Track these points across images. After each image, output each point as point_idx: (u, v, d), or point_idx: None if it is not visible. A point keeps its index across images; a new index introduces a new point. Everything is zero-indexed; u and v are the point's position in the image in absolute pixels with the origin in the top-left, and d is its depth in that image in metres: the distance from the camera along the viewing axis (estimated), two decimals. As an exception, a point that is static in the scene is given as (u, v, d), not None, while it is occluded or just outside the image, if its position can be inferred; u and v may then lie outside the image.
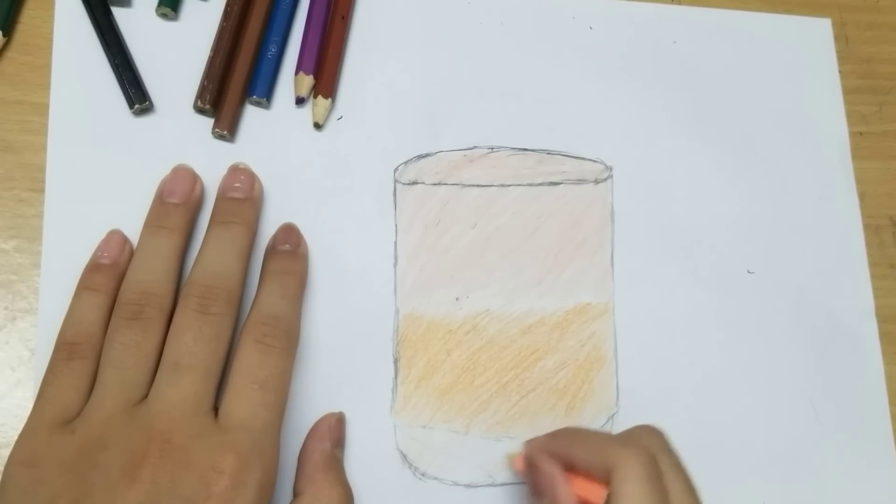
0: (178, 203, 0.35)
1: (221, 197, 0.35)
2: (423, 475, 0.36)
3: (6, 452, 0.32)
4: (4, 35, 0.37)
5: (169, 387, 0.29)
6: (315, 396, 0.35)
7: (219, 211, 0.35)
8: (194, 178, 0.36)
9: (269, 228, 0.37)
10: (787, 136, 0.43)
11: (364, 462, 0.35)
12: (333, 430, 0.34)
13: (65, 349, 0.31)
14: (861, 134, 0.44)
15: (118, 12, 0.38)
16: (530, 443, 0.34)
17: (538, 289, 0.38)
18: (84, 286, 0.33)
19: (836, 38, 0.45)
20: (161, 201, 0.35)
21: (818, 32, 0.45)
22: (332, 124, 0.39)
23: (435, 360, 0.37)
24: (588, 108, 0.42)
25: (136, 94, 0.37)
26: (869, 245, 0.42)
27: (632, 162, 0.41)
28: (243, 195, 0.35)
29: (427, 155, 0.39)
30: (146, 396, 0.30)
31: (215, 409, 0.30)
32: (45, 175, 0.36)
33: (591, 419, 0.37)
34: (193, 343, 0.30)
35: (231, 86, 0.38)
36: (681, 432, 0.33)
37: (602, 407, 0.38)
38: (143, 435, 0.28)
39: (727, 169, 0.42)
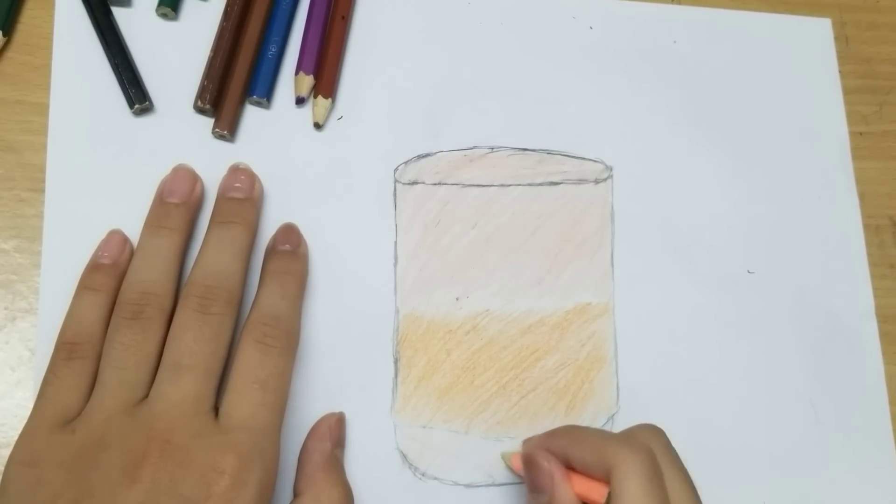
0: (178, 203, 0.35)
1: (221, 197, 0.35)
2: (423, 475, 0.36)
3: (6, 452, 0.32)
4: (4, 35, 0.37)
5: (169, 387, 0.29)
6: (315, 396, 0.35)
7: (219, 211, 0.35)
8: (194, 178, 0.36)
9: (269, 228, 0.37)
10: (788, 136, 0.43)
11: (364, 462, 0.35)
12: (334, 431, 0.34)
13: (65, 349, 0.31)
14: (861, 134, 0.44)
15: (118, 12, 0.38)
16: (528, 441, 0.34)
17: (538, 289, 0.38)
18: (84, 286, 0.33)
19: (836, 38, 0.45)
20: (161, 201, 0.35)
21: (818, 32, 0.45)
22: (332, 124, 0.39)
23: (435, 360, 0.37)
24: (588, 108, 0.42)
25: (136, 94, 0.37)
26: (869, 245, 0.42)
27: (632, 162, 0.41)
28: (243, 195, 0.35)
29: (427, 155, 0.39)
30: (147, 396, 0.30)
31: (216, 409, 0.30)
32: (45, 175, 0.36)
33: (591, 419, 0.37)
34: (194, 343, 0.30)
35: (231, 86, 0.38)
36: (681, 432, 0.33)
37: (602, 407, 0.38)
38: (144, 435, 0.28)
39: (727, 169, 0.42)
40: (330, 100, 0.39)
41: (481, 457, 0.36)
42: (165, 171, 0.36)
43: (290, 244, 0.36)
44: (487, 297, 0.38)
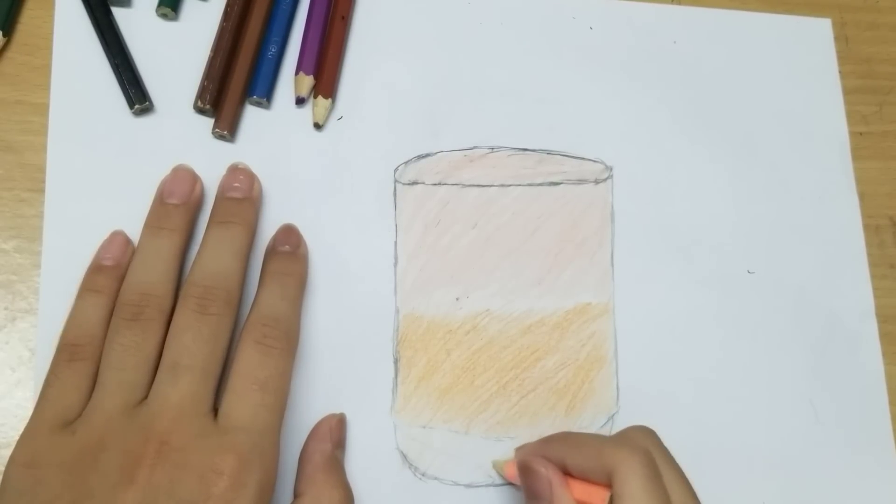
0: (178, 204, 0.34)
1: (220, 197, 0.35)
2: (423, 475, 0.36)
3: (6, 452, 0.32)
4: (4, 35, 0.37)
5: (168, 387, 0.29)
6: (315, 396, 0.35)
7: (218, 211, 0.35)
8: (194, 179, 0.35)
9: (269, 228, 0.37)
10: (788, 136, 0.43)
11: (364, 462, 0.35)
12: (334, 432, 0.34)
13: (67, 350, 0.31)
14: (861, 134, 0.44)
15: (118, 12, 0.38)
16: (522, 449, 0.34)
17: (538, 289, 0.38)
18: (87, 287, 0.33)
19: (836, 38, 0.45)
20: (161, 202, 0.35)
21: (818, 32, 0.45)
22: (332, 124, 0.39)
23: (435, 360, 0.37)
24: (588, 108, 0.42)
25: (136, 94, 0.37)
26: (869, 245, 0.42)
27: (632, 162, 0.41)
28: (242, 195, 0.35)
29: (427, 155, 0.39)
30: (146, 397, 0.30)
31: (215, 410, 0.30)
32: (45, 175, 0.36)
33: (591, 419, 0.37)
34: (192, 343, 0.30)
35: (231, 86, 0.38)
36: (681, 432, 0.33)
37: (602, 407, 0.38)
38: (142, 436, 0.28)
39: (727, 169, 0.42)
40: (330, 100, 0.39)
41: (481, 457, 0.36)
42: (165, 171, 0.36)
43: (289, 245, 0.36)
44: (487, 297, 0.38)
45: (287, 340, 0.32)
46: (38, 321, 0.34)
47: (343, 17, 0.40)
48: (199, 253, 0.33)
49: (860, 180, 0.43)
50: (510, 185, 0.39)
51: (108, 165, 0.37)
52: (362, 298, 0.37)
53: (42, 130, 0.36)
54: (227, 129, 0.37)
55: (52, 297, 0.34)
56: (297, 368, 0.33)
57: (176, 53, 0.38)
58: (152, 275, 0.32)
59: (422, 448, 0.36)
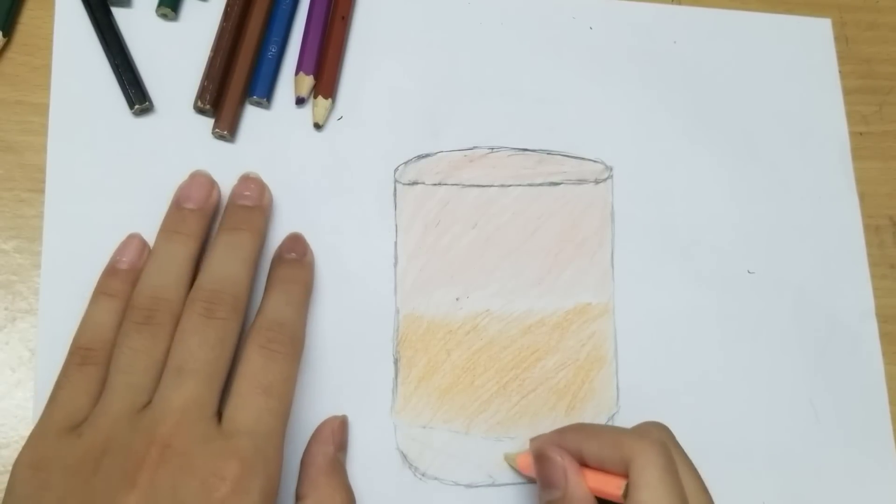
0: (194, 209, 0.34)
1: (231, 204, 0.35)
2: (423, 475, 0.36)
3: (6, 453, 0.32)
4: (4, 35, 0.37)
5: (172, 391, 0.29)
6: (315, 397, 0.35)
7: (228, 218, 0.35)
8: (211, 185, 0.35)
9: (269, 227, 0.37)
10: (788, 136, 0.43)
11: (364, 462, 0.35)
12: (336, 434, 0.34)
13: (79, 354, 0.32)
14: (861, 134, 0.44)
15: (118, 12, 0.38)
16: (536, 439, 0.34)
17: (538, 289, 0.38)
18: (101, 291, 0.33)
19: (836, 38, 0.45)
20: (178, 206, 0.35)
21: (818, 32, 0.45)
22: (332, 124, 0.39)
23: (435, 360, 0.37)
24: (588, 109, 0.42)
25: (136, 94, 0.37)
26: (869, 245, 0.42)
27: (632, 162, 0.41)
28: (253, 203, 0.35)
29: (427, 155, 0.39)
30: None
31: (219, 414, 0.30)
32: (45, 175, 0.36)
33: (591, 419, 0.37)
34: (198, 347, 0.30)
35: (231, 86, 0.38)
36: (681, 432, 0.33)
37: (602, 407, 0.38)
38: (145, 439, 0.28)
39: (727, 169, 0.42)
40: (330, 100, 0.39)
41: (482, 457, 0.36)
42: (166, 171, 0.36)
43: (296, 253, 0.36)
44: (487, 297, 0.38)
45: (292, 345, 0.32)
46: (38, 321, 0.34)
47: (343, 17, 0.40)
48: (207, 258, 0.33)
49: (860, 180, 0.43)
50: (510, 186, 0.39)
51: (108, 165, 0.36)
52: (362, 298, 0.37)
53: (42, 130, 0.36)
54: (227, 129, 0.37)
55: (52, 298, 0.34)
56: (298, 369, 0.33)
57: (176, 53, 0.38)
58: (165, 279, 0.32)
59: (422, 448, 0.36)
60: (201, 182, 0.35)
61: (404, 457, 0.36)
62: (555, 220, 0.39)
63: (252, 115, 0.39)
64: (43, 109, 0.37)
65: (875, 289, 0.41)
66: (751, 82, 0.44)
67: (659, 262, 0.40)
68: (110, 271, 0.34)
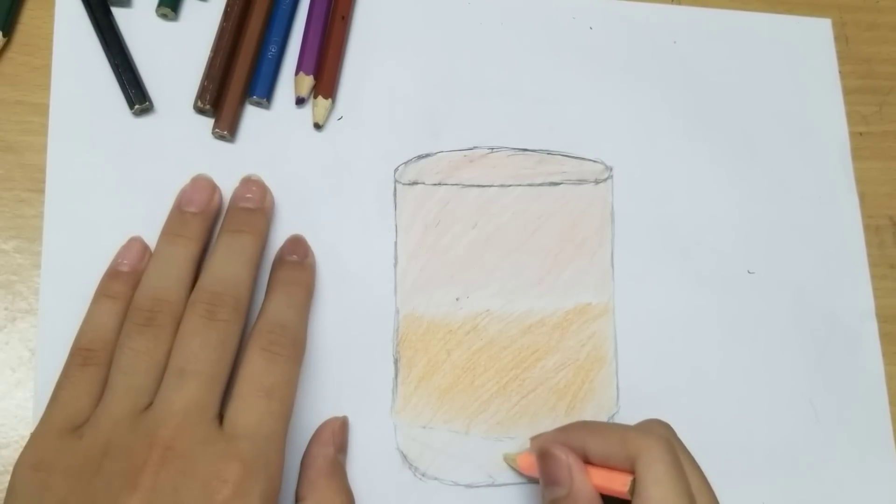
0: (195, 212, 0.34)
1: (233, 206, 0.35)
2: (423, 475, 0.36)
3: (6, 453, 0.32)
4: (4, 35, 0.37)
5: (173, 393, 0.29)
6: (315, 397, 0.35)
7: (230, 220, 0.35)
8: (213, 188, 0.35)
9: (269, 228, 0.37)
10: (788, 136, 0.43)
11: (364, 462, 0.35)
12: (337, 435, 0.34)
13: (80, 355, 0.32)
14: (861, 134, 0.44)
15: (118, 12, 0.38)
16: (538, 437, 0.34)
17: (538, 289, 0.38)
18: (102, 293, 0.33)
19: (836, 38, 0.45)
20: (179, 210, 0.35)
21: (818, 32, 0.45)
22: (332, 124, 0.39)
23: (435, 360, 0.37)
24: (588, 108, 0.42)
25: (136, 94, 0.37)
26: (869, 245, 0.42)
27: (632, 162, 0.41)
28: (254, 205, 0.35)
29: (427, 155, 0.39)
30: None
31: (220, 416, 0.30)
32: (46, 175, 0.36)
33: (591, 419, 0.37)
34: (200, 349, 0.30)
35: (231, 86, 0.38)
36: (681, 432, 0.33)
37: (602, 407, 0.38)
38: (146, 441, 0.28)
39: (727, 169, 0.42)
40: (330, 100, 0.39)
41: (482, 457, 0.36)
42: (165, 171, 0.36)
43: (297, 255, 0.36)
44: (487, 297, 0.38)
45: (293, 348, 0.32)
46: (38, 321, 0.34)
47: (343, 17, 0.40)
48: (209, 260, 0.33)
49: (860, 180, 0.43)
50: (510, 186, 0.39)
51: (108, 165, 0.36)
52: (362, 298, 0.37)
53: (42, 130, 0.36)
54: (227, 129, 0.37)
55: (52, 298, 0.34)
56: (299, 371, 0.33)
57: (176, 53, 0.38)
58: (166, 281, 0.32)
59: (422, 448, 0.36)
60: (203, 186, 0.35)
61: (404, 457, 0.36)
62: (555, 220, 0.39)
63: (252, 115, 0.39)
64: (43, 109, 0.37)
65: (875, 289, 0.41)
66: (751, 82, 0.44)
67: (659, 262, 0.40)
68: (112, 273, 0.34)
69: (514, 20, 0.42)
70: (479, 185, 0.39)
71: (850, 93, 0.44)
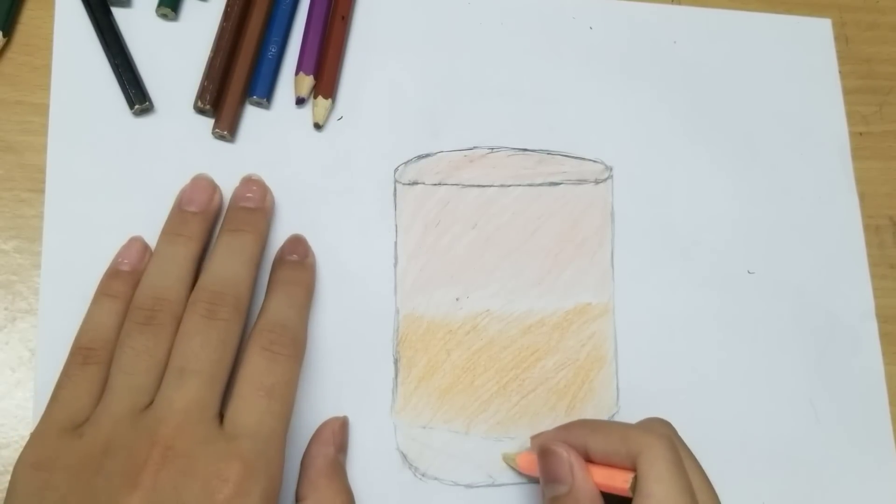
0: (196, 212, 0.35)
1: (233, 206, 0.35)
2: (423, 475, 0.36)
3: (6, 453, 0.32)
4: (4, 35, 0.37)
5: (174, 392, 0.29)
6: (315, 397, 0.35)
7: (230, 219, 0.35)
8: (213, 188, 0.36)
9: (270, 228, 0.37)
10: (788, 136, 0.43)
11: (364, 462, 0.35)
12: (337, 435, 0.34)
13: (80, 354, 0.32)
14: (861, 134, 0.44)
15: (118, 12, 0.38)
16: (539, 436, 0.35)
17: (538, 289, 0.38)
18: (102, 292, 0.33)
19: (836, 38, 0.45)
20: (179, 209, 0.35)
21: (818, 32, 0.45)
22: (332, 124, 0.39)
23: (435, 360, 0.37)
24: (588, 108, 0.42)
25: (136, 94, 0.37)
26: (869, 245, 0.42)
27: (632, 162, 0.41)
28: (255, 205, 0.35)
29: (427, 155, 0.39)
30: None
31: (221, 416, 0.30)
32: (46, 175, 0.36)
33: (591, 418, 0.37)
34: (200, 348, 0.30)
35: (231, 86, 0.38)
36: (681, 432, 0.33)
37: (602, 407, 0.38)
38: (147, 440, 0.28)
39: (727, 169, 0.42)
40: (330, 100, 0.39)
41: (481, 457, 0.36)
42: (166, 171, 0.36)
43: (297, 255, 0.36)
44: (487, 297, 0.38)
45: (294, 347, 0.32)
46: (38, 321, 0.34)
47: (343, 17, 0.40)
48: (209, 259, 0.33)
49: (860, 180, 0.43)
50: (510, 186, 0.39)
51: (108, 165, 0.36)
52: (362, 299, 0.37)
53: (42, 130, 0.36)
54: (227, 129, 0.37)
55: (52, 298, 0.34)
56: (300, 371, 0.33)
57: (176, 53, 0.38)
58: (166, 280, 0.32)
59: (422, 448, 0.36)
60: (203, 185, 0.35)
61: (404, 457, 0.36)
62: (555, 220, 0.39)
63: (252, 115, 0.39)
64: (43, 109, 0.37)
65: (875, 289, 0.41)
66: (751, 82, 0.44)
67: (659, 262, 0.40)
68: (112, 273, 0.34)
69: (514, 20, 0.42)
70: (479, 185, 0.39)
71: (850, 93, 0.44)
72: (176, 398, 0.29)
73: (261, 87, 0.38)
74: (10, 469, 0.29)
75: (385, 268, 0.38)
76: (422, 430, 0.36)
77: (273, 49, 0.39)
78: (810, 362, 0.40)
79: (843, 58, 0.45)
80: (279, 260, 0.36)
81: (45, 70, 0.37)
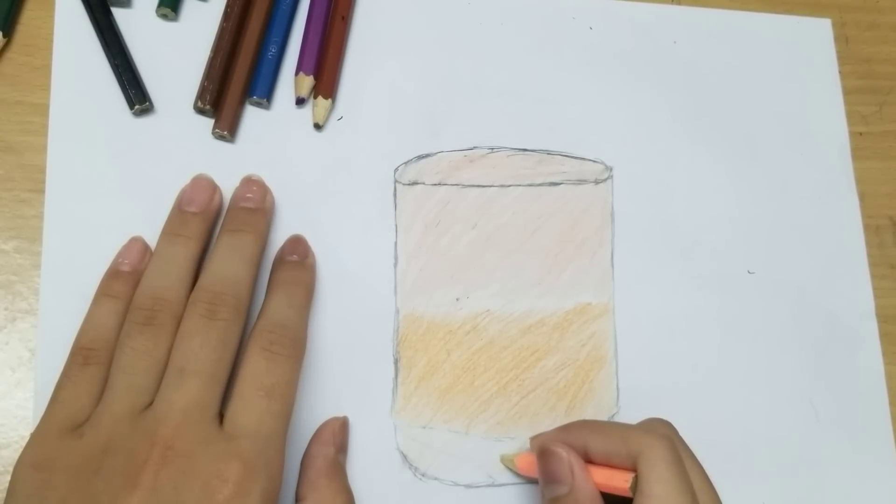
0: (196, 212, 0.35)
1: (233, 206, 0.35)
2: (423, 475, 0.36)
3: (6, 453, 0.32)
4: (4, 36, 0.37)
5: (174, 392, 0.29)
6: (315, 397, 0.35)
7: (230, 219, 0.35)
8: (213, 188, 0.36)
9: (270, 228, 0.37)
10: (788, 136, 0.43)
11: (364, 462, 0.35)
12: (337, 435, 0.34)
13: (81, 354, 0.32)
14: (861, 134, 0.44)
15: (118, 12, 0.38)
16: (538, 437, 0.35)
17: (538, 289, 0.38)
18: (103, 292, 0.33)
19: (836, 38, 0.45)
20: (180, 209, 0.35)
21: (818, 32, 0.45)
22: (332, 125, 0.39)
23: (435, 360, 0.37)
24: (588, 108, 0.42)
25: (136, 94, 0.37)
26: (869, 245, 0.42)
27: (632, 162, 0.41)
28: (255, 205, 0.35)
29: (427, 155, 0.39)
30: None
31: (221, 416, 0.30)
32: (46, 176, 0.36)
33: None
34: (200, 349, 0.30)
35: (231, 86, 0.38)
36: (681, 432, 0.33)
37: (602, 407, 0.38)
38: (147, 441, 0.28)
39: (727, 169, 0.42)
40: (330, 100, 0.39)
41: (482, 457, 0.36)
42: (166, 171, 0.36)
43: (297, 255, 0.36)
44: (487, 297, 0.38)
45: (294, 347, 0.32)
46: (38, 322, 0.34)
47: (343, 17, 0.40)
48: (209, 260, 0.33)
49: (860, 180, 0.43)
50: (510, 186, 0.39)
51: (108, 166, 0.36)
52: (362, 299, 0.37)
53: (42, 131, 0.36)
54: (227, 129, 0.37)
55: (52, 298, 0.34)
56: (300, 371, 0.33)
57: (176, 53, 0.38)
58: (166, 280, 0.32)
59: (422, 448, 0.36)
60: (203, 186, 0.35)
61: (404, 457, 0.36)
62: (555, 220, 0.39)
63: (252, 115, 0.39)
64: (43, 110, 0.37)
65: (875, 289, 0.41)
66: (751, 82, 0.44)
67: (659, 263, 0.40)
68: (112, 273, 0.34)
69: (514, 20, 0.42)
70: (479, 185, 0.39)
71: (850, 93, 0.44)
72: (176, 398, 0.29)
73: (261, 88, 0.38)
74: (10, 469, 0.29)
75: (385, 268, 0.38)
76: (422, 430, 0.36)
77: (273, 49, 0.39)
78: (810, 362, 0.40)
79: (843, 58, 0.45)
80: (279, 260, 0.36)
81: (45, 70, 0.37)
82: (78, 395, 0.30)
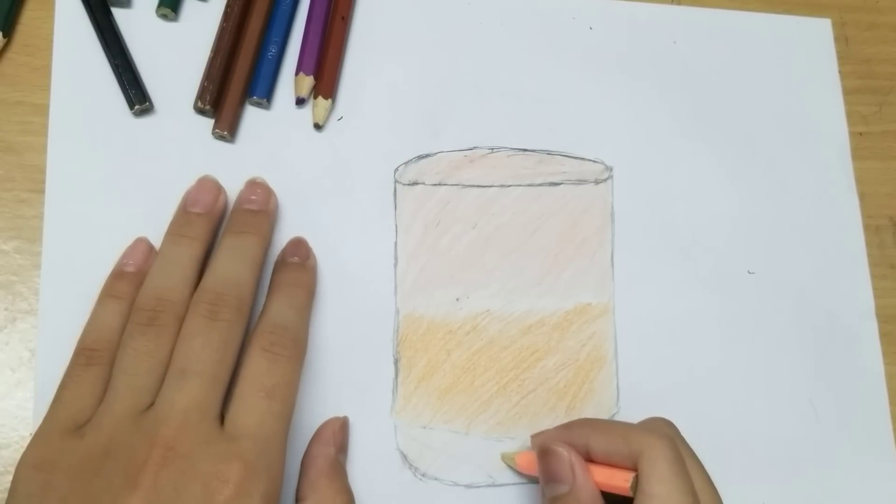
0: (200, 213, 0.35)
1: (237, 208, 0.35)
2: (423, 475, 0.36)
3: (6, 453, 0.32)
4: (4, 36, 0.37)
5: (175, 393, 0.29)
6: (315, 397, 0.35)
7: (234, 221, 0.35)
8: (218, 190, 0.36)
9: (273, 230, 0.37)
10: (787, 136, 0.43)
11: (364, 462, 0.35)
12: (337, 435, 0.34)
13: (84, 354, 0.32)
14: (861, 134, 0.44)
15: (118, 12, 0.38)
16: (539, 435, 0.35)
17: (538, 289, 0.38)
18: (107, 293, 0.33)
19: (836, 39, 0.45)
20: (184, 210, 0.35)
21: (818, 32, 0.45)
22: (332, 125, 0.39)
23: (435, 360, 0.37)
24: (588, 109, 0.42)
25: (136, 94, 0.37)
26: (869, 245, 0.42)
27: (632, 162, 0.41)
28: (258, 207, 0.35)
29: (427, 155, 0.39)
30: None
31: (222, 417, 0.30)
32: (46, 176, 0.36)
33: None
34: (202, 349, 0.30)
35: (231, 86, 0.38)
36: (681, 432, 0.33)
37: (602, 407, 0.38)
38: (148, 441, 0.28)
39: (727, 169, 0.42)
40: (330, 100, 0.39)
41: (482, 457, 0.36)
42: (166, 171, 0.36)
43: (298, 256, 0.36)
44: (487, 297, 0.38)
45: (295, 349, 0.32)
46: (39, 322, 0.34)
47: (343, 17, 0.40)
48: (212, 261, 0.33)
49: (860, 180, 0.43)
50: (510, 186, 0.39)
51: (108, 166, 0.36)
52: (362, 299, 0.37)
53: (42, 131, 0.36)
54: (227, 129, 0.37)
55: (52, 298, 0.34)
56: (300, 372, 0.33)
57: (176, 54, 0.38)
58: (170, 281, 0.32)
59: (422, 448, 0.36)
60: (208, 187, 0.35)
61: (404, 457, 0.36)
62: (555, 220, 0.39)
63: (252, 115, 0.39)
64: (43, 110, 0.37)
65: (875, 289, 0.41)
66: (751, 82, 0.44)
67: (659, 262, 0.40)
68: (117, 274, 0.34)
69: (514, 20, 0.42)
70: (479, 186, 0.39)
71: (850, 93, 0.44)
72: (177, 399, 0.29)
73: (261, 88, 0.38)
74: (11, 469, 0.29)
75: (385, 268, 0.38)
76: (422, 430, 0.36)
77: (273, 49, 0.39)
78: (810, 362, 0.40)
79: (843, 58, 0.45)
80: (280, 262, 0.36)
81: (45, 70, 0.37)
82: (80, 396, 0.31)
